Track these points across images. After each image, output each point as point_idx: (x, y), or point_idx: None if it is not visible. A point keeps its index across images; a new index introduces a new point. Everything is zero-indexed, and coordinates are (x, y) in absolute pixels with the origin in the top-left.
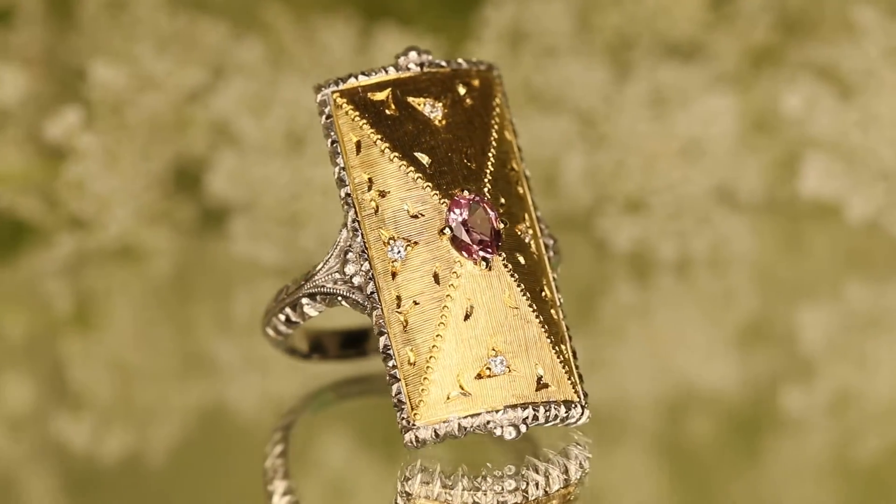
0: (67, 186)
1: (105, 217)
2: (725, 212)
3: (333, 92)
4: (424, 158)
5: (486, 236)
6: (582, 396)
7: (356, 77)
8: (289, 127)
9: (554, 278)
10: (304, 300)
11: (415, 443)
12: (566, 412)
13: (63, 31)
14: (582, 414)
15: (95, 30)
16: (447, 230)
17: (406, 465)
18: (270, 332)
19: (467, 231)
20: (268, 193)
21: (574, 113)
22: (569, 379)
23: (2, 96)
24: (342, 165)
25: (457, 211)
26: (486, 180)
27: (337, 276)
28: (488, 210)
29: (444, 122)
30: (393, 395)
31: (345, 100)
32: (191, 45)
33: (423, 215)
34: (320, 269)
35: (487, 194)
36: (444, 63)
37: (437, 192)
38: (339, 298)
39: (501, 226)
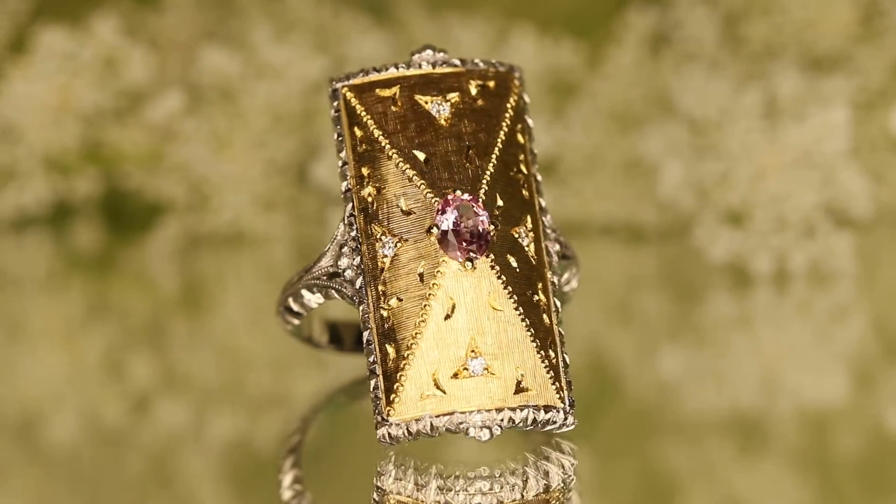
0: (170, 169)
1: (217, 202)
2: (830, 227)
3: (344, 86)
4: (423, 157)
5: (472, 237)
6: (567, 403)
7: (368, 73)
8: None
9: (553, 283)
10: (304, 291)
11: (387, 439)
12: (545, 417)
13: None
14: (564, 420)
15: (243, 16)
16: (434, 229)
17: (380, 461)
18: (281, 320)
19: (454, 231)
20: None
21: (685, 121)
22: (553, 384)
23: (131, 77)
24: (344, 159)
25: (446, 210)
26: (483, 181)
27: (331, 269)
28: (479, 211)
29: (449, 121)
30: (371, 390)
31: (353, 94)
32: (321, 36)
33: (414, 213)
34: (318, 262)
35: (483, 195)
36: (458, 62)
37: (431, 190)
38: (333, 291)
39: (492, 228)
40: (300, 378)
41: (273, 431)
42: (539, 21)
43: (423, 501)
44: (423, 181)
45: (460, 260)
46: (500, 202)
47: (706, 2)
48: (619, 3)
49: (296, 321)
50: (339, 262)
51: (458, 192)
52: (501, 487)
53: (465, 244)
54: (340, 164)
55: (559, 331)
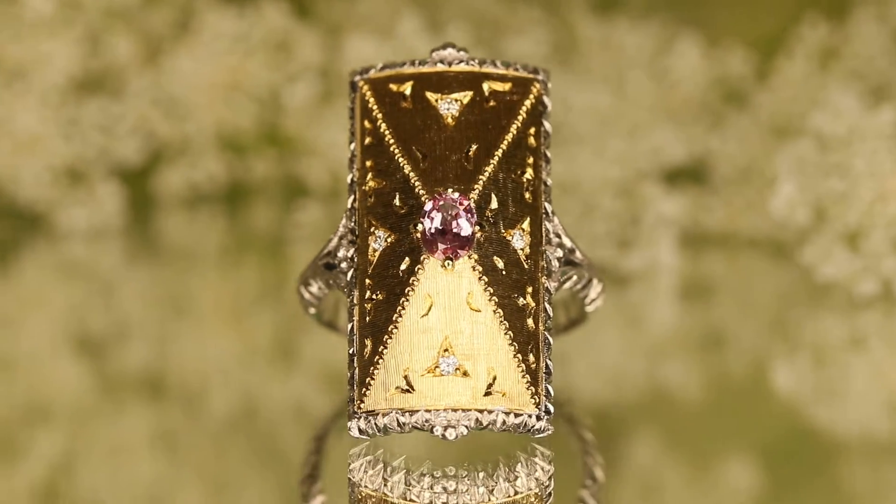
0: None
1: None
2: None
3: (361, 79)
4: (422, 154)
5: (454, 237)
6: (542, 409)
7: (386, 67)
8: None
9: (548, 289)
10: (310, 280)
11: (356, 432)
12: (514, 421)
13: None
14: (537, 426)
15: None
16: (419, 225)
17: (351, 452)
18: (302, 308)
19: (436, 229)
20: None
21: (814, 137)
22: (528, 389)
23: (304, 60)
24: (353, 151)
25: (432, 208)
26: (479, 181)
27: (331, 260)
28: (462, 212)
29: (456, 119)
30: (347, 381)
31: (369, 88)
32: (484, 30)
33: (405, 209)
34: (321, 252)
35: (475, 196)
36: (476, 62)
37: (425, 188)
38: (332, 282)
39: (478, 228)
40: None
41: None
42: (709, 29)
43: (388, 496)
44: (417, 178)
45: (440, 259)
46: (494, 204)
47: (879, 18)
48: (794, 15)
49: (311, 309)
50: (337, 254)
51: (449, 191)
52: (468, 488)
53: (445, 244)
54: (349, 155)
55: (546, 337)
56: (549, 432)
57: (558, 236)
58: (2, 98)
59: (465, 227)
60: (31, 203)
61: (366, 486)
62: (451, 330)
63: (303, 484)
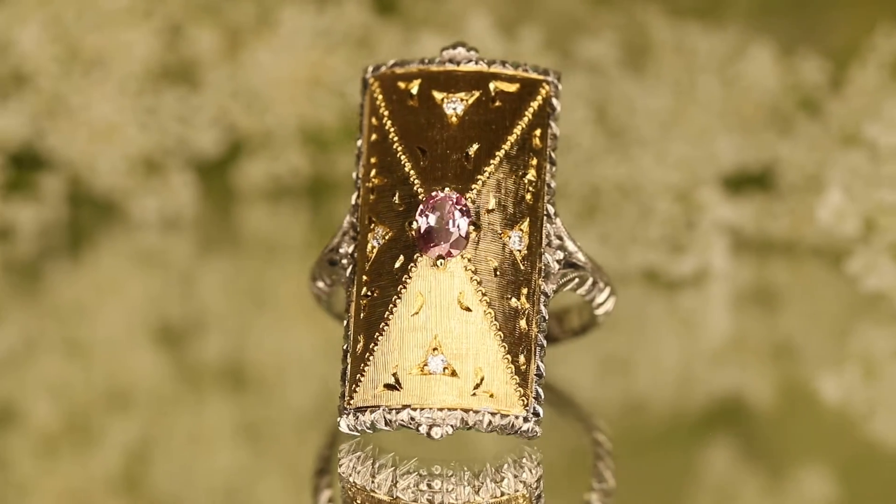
0: None
1: None
2: None
3: (372, 76)
4: (421, 152)
5: (448, 235)
6: (531, 411)
7: (396, 65)
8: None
9: (544, 291)
10: (317, 275)
11: (344, 428)
12: (501, 422)
13: None
14: (524, 428)
15: None
16: (414, 223)
17: (342, 447)
18: (315, 301)
19: (430, 227)
20: None
21: (869, 148)
22: (516, 390)
23: (383, 56)
24: (359, 147)
25: (427, 207)
26: (478, 181)
27: (334, 256)
28: (459, 211)
29: (460, 119)
30: (340, 377)
31: (378, 85)
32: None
33: (403, 207)
34: (326, 248)
35: (473, 196)
36: (485, 62)
37: (423, 186)
38: (335, 277)
39: (473, 228)
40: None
41: None
42: (783, 37)
43: (375, 492)
44: (416, 176)
45: (433, 257)
46: (492, 204)
47: None
48: (868, 25)
49: (321, 304)
50: (339, 250)
51: (446, 190)
52: (453, 488)
53: (437, 242)
54: (356, 151)
55: (539, 339)
56: (538, 434)
57: (560, 239)
58: (80, 86)
59: (458, 226)
60: (106, 191)
61: (354, 482)
62: (440, 329)
63: (315, 477)
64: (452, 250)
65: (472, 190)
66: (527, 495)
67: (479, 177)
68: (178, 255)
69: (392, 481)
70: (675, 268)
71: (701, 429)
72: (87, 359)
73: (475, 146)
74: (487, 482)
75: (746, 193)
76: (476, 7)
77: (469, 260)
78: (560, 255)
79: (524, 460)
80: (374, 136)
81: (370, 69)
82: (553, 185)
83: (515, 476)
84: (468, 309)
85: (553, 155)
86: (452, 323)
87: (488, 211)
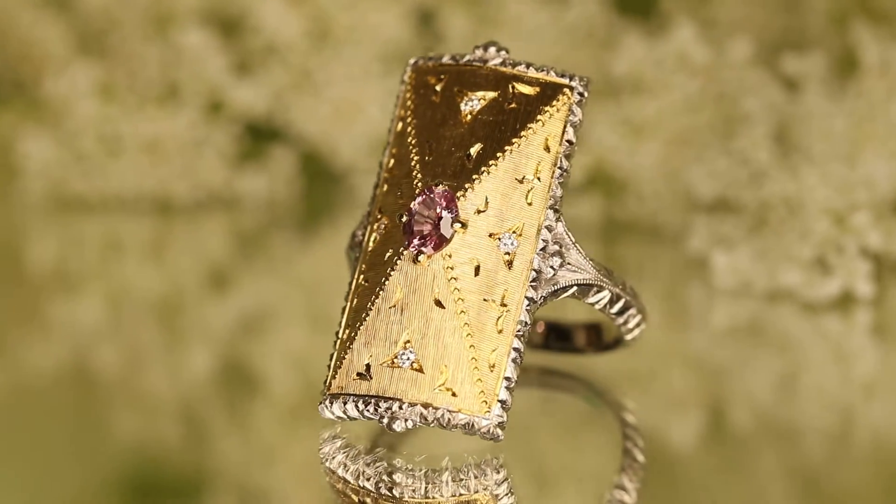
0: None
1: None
2: None
3: (409, 68)
4: (429, 147)
5: (428, 232)
6: (494, 414)
7: (431, 59)
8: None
9: (530, 298)
10: (347, 254)
11: (322, 413)
12: (459, 421)
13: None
14: (483, 428)
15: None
16: (403, 217)
17: (323, 433)
18: None
19: (414, 222)
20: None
21: None
22: (480, 392)
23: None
24: (388, 138)
25: (417, 202)
26: (475, 181)
27: (353, 240)
28: (445, 208)
29: (473, 117)
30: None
31: (412, 79)
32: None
33: (402, 200)
34: (355, 230)
35: (465, 194)
36: (511, 63)
37: (422, 181)
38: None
39: (459, 227)
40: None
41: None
42: None
43: (344, 477)
44: (419, 171)
45: (414, 252)
46: (485, 205)
47: None
48: None
49: None
50: (356, 234)
51: (440, 187)
52: (412, 483)
53: (420, 237)
54: (387, 140)
55: (516, 344)
56: (499, 437)
57: (559, 245)
58: (327, 64)
59: (442, 223)
60: (344, 169)
61: (328, 465)
62: (413, 324)
63: None
64: (433, 247)
65: (465, 188)
66: (487, 497)
67: (475, 176)
68: None
69: (360, 471)
70: (817, 290)
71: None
72: (327, 333)
73: (479, 146)
74: (447, 481)
75: None
76: (684, 14)
77: (450, 258)
78: (557, 261)
79: (483, 463)
80: (399, 127)
81: (411, 61)
82: (559, 191)
83: (476, 477)
84: (442, 307)
85: (565, 161)
86: (425, 319)
87: (480, 211)
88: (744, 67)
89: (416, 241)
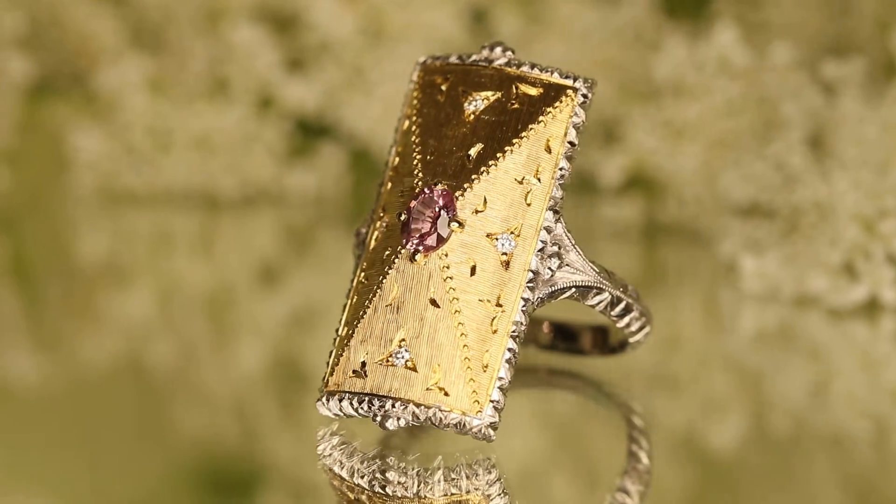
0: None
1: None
2: None
3: (419, 67)
4: (431, 147)
5: (425, 231)
6: (486, 414)
7: (439, 59)
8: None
9: (526, 298)
10: (354, 250)
11: (319, 410)
12: (450, 421)
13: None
14: (474, 428)
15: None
16: (402, 215)
17: (320, 430)
18: None
19: (409, 221)
20: None
21: None
22: (472, 392)
23: None
24: (394, 136)
25: (416, 201)
26: (474, 181)
27: (357, 238)
28: (442, 208)
29: (475, 117)
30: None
31: (420, 76)
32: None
33: (402, 198)
34: (358, 227)
35: (463, 195)
36: (517, 63)
37: (423, 180)
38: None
39: (456, 226)
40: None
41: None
42: None
43: (340, 474)
44: (421, 169)
45: (411, 251)
46: (483, 205)
47: None
48: None
49: None
50: (361, 230)
51: (438, 187)
52: (405, 480)
53: (417, 237)
54: (393, 138)
55: (511, 345)
56: (491, 438)
57: (557, 246)
58: (380, 62)
59: (438, 223)
60: None
61: (325, 462)
62: (409, 323)
63: None
64: (430, 246)
65: (464, 188)
66: (479, 497)
67: (474, 176)
68: None
69: (354, 468)
70: (844, 296)
71: None
72: None
73: (480, 146)
74: (439, 479)
75: None
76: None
77: (447, 257)
78: (555, 262)
79: (476, 463)
80: (405, 126)
81: (420, 60)
82: (560, 192)
83: (468, 477)
84: (438, 306)
85: (566, 162)
86: (420, 319)
87: (478, 211)
88: (785, 71)
89: (413, 240)
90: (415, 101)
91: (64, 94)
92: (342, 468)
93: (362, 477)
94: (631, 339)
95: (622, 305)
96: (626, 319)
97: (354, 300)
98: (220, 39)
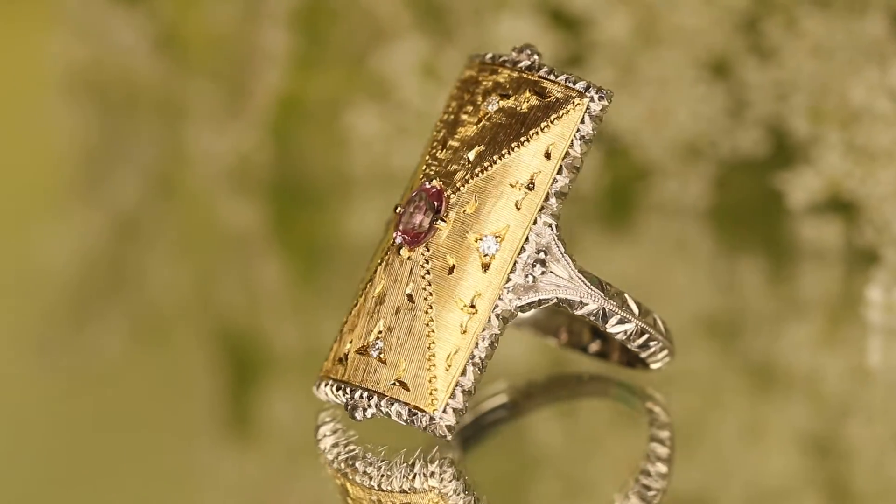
0: None
1: None
2: None
3: (467, 64)
4: (444, 143)
5: (409, 227)
6: (439, 411)
7: (476, 56)
8: None
9: (500, 303)
10: None
11: (315, 392)
12: (408, 416)
13: None
14: (430, 426)
15: None
16: (398, 209)
17: (321, 416)
18: None
19: (400, 215)
20: None
21: None
22: (433, 390)
23: None
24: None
25: (412, 196)
26: (467, 181)
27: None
28: (431, 205)
29: (486, 117)
30: None
31: (464, 73)
32: None
33: (406, 192)
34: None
35: (455, 193)
36: (535, 68)
37: (425, 176)
38: None
39: (439, 224)
40: None
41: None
42: None
43: (329, 460)
44: (427, 164)
45: (397, 245)
46: (472, 205)
47: None
48: None
49: None
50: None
51: (433, 182)
52: (369, 470)
53: (402, 232)
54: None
55: (481, 347)
56: (446, 437)
57: (544, 254)
58: (649, 64)
59: (422, 219)
60: (650, 170)
61: (320, 446)
62: (386, 316)
63: None
64: (412, 242)
65: (458, 187)
66: (436, 497)
67: (469, 177)
68: (701, 246)
69: (337, 454)
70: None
71: None
72: None
73: (480, 147)
74: (398, 475)
75: None
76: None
77: (429, 255)
78: (539, 270)
79: (432, 460)
80: (440, 118)
81: (470, 56)
82: (554, 200)
83: (426, 476)
84: (412, 301)
85: (564, 171)
86: (396, 312)
87: (465, 212)
88: None
89: (401, 235)
90: (449, 98)
91: (345, 70)
92: (330, 453)
93: (341, 463)
94: (627, 345)
95: (615, 319)
96: (621, 332)
97: (357, 289)
98: (489, 30)
